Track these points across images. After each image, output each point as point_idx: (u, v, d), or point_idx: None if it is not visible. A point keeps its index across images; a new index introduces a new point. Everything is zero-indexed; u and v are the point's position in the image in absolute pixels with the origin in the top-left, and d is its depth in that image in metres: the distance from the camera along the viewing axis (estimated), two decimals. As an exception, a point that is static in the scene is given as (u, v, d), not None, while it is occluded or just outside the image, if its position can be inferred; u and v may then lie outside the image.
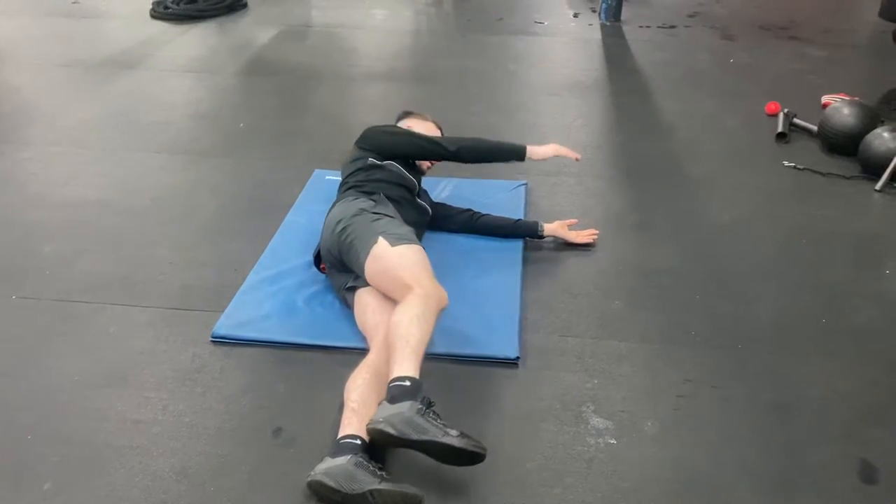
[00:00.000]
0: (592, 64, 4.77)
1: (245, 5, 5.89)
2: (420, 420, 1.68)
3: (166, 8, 5.62)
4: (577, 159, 2.74)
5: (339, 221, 2.33)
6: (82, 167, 3.28)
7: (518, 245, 2.71)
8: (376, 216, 2.30)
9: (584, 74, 4.53)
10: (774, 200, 3.09)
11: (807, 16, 5.82)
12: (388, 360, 1.85)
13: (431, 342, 2.16)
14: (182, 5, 5.67)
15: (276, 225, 2.80)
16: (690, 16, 5.75)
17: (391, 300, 2.13)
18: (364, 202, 2.38)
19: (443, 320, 2.27)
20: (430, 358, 2.12)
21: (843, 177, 3.26)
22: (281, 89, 4.27)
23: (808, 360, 2.21)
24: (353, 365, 1.97)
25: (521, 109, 3.99)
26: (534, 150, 2.65)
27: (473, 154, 2.65)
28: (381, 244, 2.15)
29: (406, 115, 2.91)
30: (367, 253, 2.16)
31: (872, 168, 3.23)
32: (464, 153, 2.61)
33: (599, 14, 5.64)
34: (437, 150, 2.61)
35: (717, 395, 2.06)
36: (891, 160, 3.15)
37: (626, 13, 5.63)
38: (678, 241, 2.79)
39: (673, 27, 5.45)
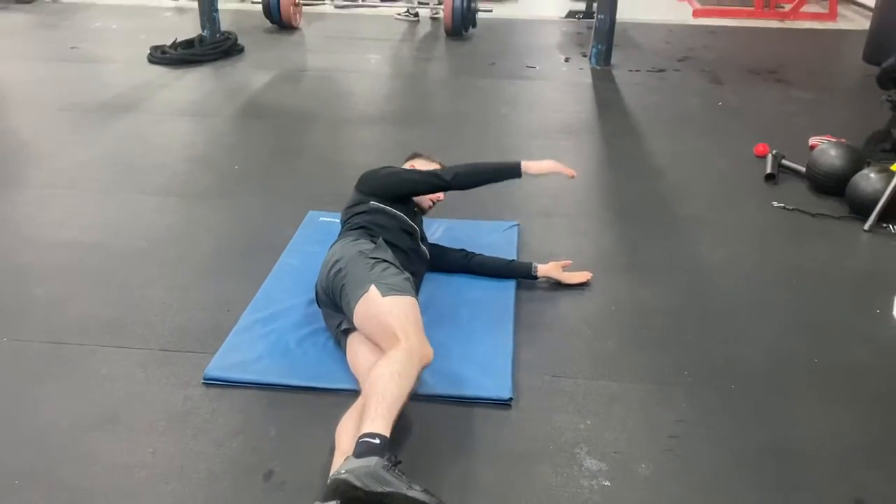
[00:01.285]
0: (583, 107, 4.84)
1: (241, 50, 5.98)
2: (385, 474, 1.65)
3: (164, 53, 5.71)
4: (572, 176, 2.72)
5: (335, 262, 2.34)
6: (77, 209, 3.29)
7: (511, 285, 2.72)
8: (374, 261, 2.30)
9: (576, 117, 4.60)
10: (765, 240, 3.12)
11: (793, 60, 5.94)
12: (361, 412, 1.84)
13: (425, 383, 2.18)
14: (179, 50, 5.76)
15: (270, 266, 2.81)
16: (680, 60, 5.86)
17: None
18: (364, 244, 2.39)
19: (436, 361, 2.26)
20: (424, 399, 2.14)
21: (832, 217, 3.30)
22: (276, 132, 4.32)
23: (802, 400, 2.21)
24: (345, 407, 1.97)
25: (514, 151, 4.03)
26: (529, 165, 2.62)
27: (470, 179, 2.62)
28: (373, 292, 2.15)
29: (414, 156, 2.94)
30: (357, 299, 2.16)
31: (860, 208, 3.27)
32: (460, 180, 2.60)
33: (590, 59, 5.75)
34: (433, 181, 2.61)
35: (711, 435, 2.06)
36: (878, 200, 3.19)
37: (616, 58, 5.73)
38: (670, 281, 2.81)
39: (662, 71, 5.55)
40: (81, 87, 5.08)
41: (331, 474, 1.67)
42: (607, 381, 2.27)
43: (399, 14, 7.24)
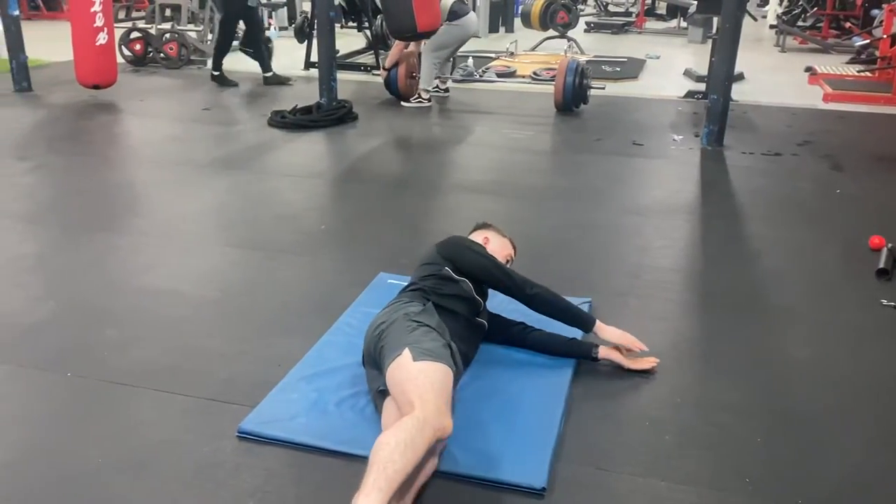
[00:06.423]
0: (685, 186, 4.65)
1: (355, 118, 6.21)
2: None
3: (283, 117, 6.03)
4: (640, 349, 2.58)
5: (381, 323, 2.35)
6: (164, 258, 3.46)
7: (569, 365, 2.58)
8: (416, 325, 2.27)
9: (675, 196, 4.41)
10: (864, 341, 2.81)
11: (929, 148, 5.49)
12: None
13: (454, 460, 2.08)
14: (297, 116, 6.06)
15: (331, 324, 2.82)
16: (799, 144, 5.54)
17: None
18: (412, 307, 2.38)
19: (471, 439, 2.17)
20: (449, 478, 2.03)
21: (951, 321, 2.93)
22: (369, 196, 4.41)
23: (882, 528, 1.92)
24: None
25: (600, 227, 3.91)
26: (602, 328, 2.56)
27: (545, 307, 2.58)
28: (405, 356, 2.11)
29: (484, 226, 2.91)
30: (391, 361, 2.13)
31: None
32: (536, 302, 2.56)
33: (701, 139, 5.55)
34: (513, 290, 2.55)
35: (765, 555, 1.82)
36: None
37: (729, 139, 5.50)
38: (747, 377, 2.57)
39: (778, 155, 5.26)
40: (202, 145, 5.44)
41: None
42: (657, 479, 2.07)
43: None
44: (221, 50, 7.51)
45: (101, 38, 6.42)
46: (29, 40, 7.04)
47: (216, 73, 7.50)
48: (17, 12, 6.90)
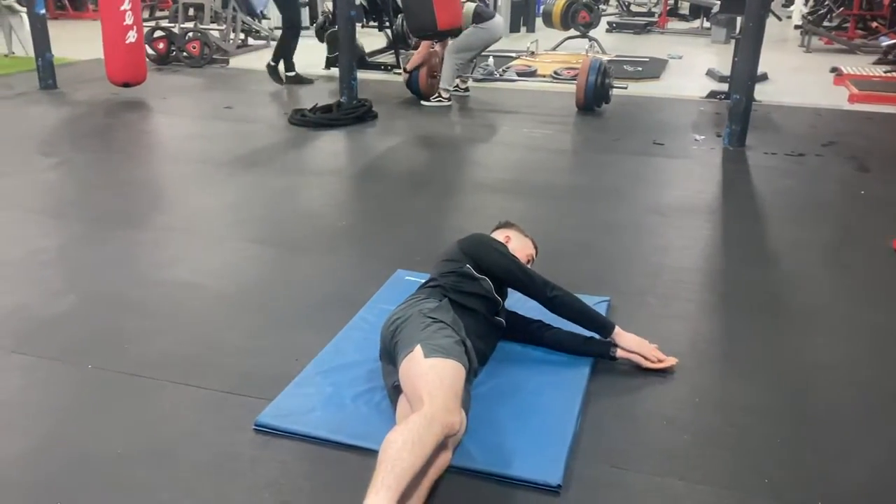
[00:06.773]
0: (706, 187, 4.61)
1: (375, 116, 6.22)
2: None
3: (303, 115, 6.05)
4: (659, 361, 2.53)
5: (396, 319, 2.35)
6: (186, 252, 3.49)
7: (587, 363, 2.56)
8: (430, 321, 2.28)
9: (695, 197, 4.37)
10: (887, 344, 2.76)
11: (958, 150, 5.40)
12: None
13: (470, 456, 2.07)
14: (317, 114, 6.08)
15: (349, 320, 2.82)
16: (824, 145, 5.47)
17: None
18: (428, 303, 2.38)
19: (488, 435, 2.17)
20: (465, 474, 2.02)
21: (978, 324, 2.88)
22: (386, 193, 4.42)
23: (904, 531, 1.89)
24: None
25: (619, 228, 3.88)
26: (620, 334, 2.54)
27: (564, 310, 2.56)
28: (417, 352, 2.12)
29: (507, 225, 2.90)
30: (404, 357, 2.14)
31: None
32: (556, 304, 2.54)
33: (723, 139, 5.50)
34: (534, 291, 2.54)
35: (783, 557, 1.79)
36: None
37: (752, 139, 5.44)
38: (768, 378, 2.53)
39: (802, 155, 5.19)
40: (223, 143, 5.48)
41: None
42: (673, 478, 2.05)
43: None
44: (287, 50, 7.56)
45: (131, 37, 6.50)
46: (55, 39, 7.14)
47: (291, 75, 7.58)
48: (43, 11, 7.00)
